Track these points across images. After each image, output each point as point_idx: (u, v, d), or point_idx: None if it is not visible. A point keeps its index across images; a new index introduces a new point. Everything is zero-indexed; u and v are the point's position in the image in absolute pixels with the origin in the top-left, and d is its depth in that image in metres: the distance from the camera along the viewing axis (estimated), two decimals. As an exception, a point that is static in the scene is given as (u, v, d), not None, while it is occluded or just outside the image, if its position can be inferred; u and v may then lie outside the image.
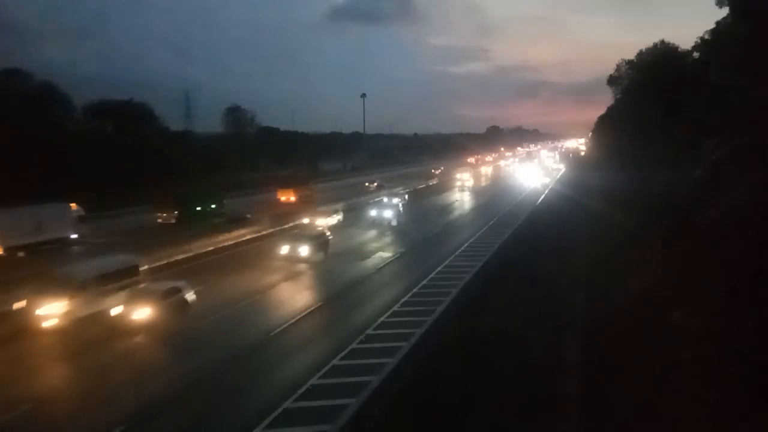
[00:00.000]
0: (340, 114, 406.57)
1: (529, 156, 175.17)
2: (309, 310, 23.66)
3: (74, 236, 37.80)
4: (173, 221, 45.18)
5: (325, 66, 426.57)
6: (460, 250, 34.82)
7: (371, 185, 74.10)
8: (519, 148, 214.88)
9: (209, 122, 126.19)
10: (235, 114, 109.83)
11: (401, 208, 50.54)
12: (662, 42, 71.75)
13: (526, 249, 35.04)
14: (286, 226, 42.54)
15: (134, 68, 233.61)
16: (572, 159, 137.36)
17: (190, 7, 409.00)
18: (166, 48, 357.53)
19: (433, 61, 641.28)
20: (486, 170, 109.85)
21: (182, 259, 32.19)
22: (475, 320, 21.04)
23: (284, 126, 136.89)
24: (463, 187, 78.18)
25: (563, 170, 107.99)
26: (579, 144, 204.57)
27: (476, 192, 75.14)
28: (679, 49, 66.93)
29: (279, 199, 59.08)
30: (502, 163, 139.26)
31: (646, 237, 26.24)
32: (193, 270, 29.35)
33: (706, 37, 55.18)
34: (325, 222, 43.06)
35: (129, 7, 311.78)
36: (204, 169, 71.05)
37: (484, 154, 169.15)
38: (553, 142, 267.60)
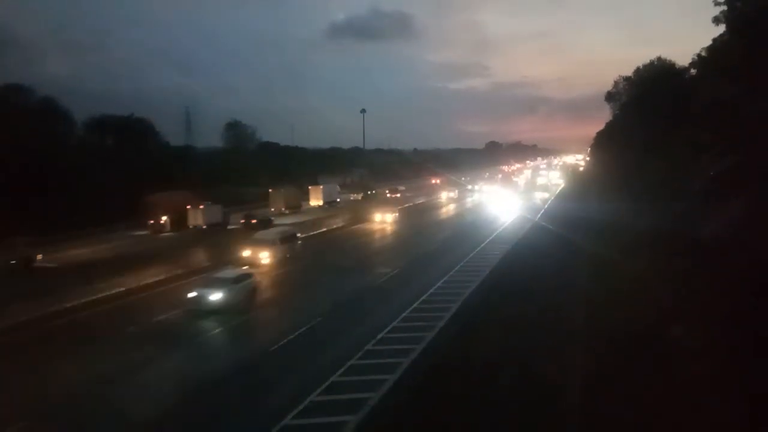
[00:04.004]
0: (340, 129, 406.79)
1: (507, 179, 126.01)
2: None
3: (338, 200, 74.17)
4: (360, 198, 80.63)
5: (324, 82, 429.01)
6: None
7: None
8: (529, 162, 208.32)
9: (209, 137, 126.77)
10: (235, 129, 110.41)
11: None
12: (659, 59, 72.33)
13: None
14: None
15: (135, 84, 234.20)
16: (571, 175, 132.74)
17: (190, 23, 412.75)
18: (166, 64, 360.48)
19: (432, 77, 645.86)
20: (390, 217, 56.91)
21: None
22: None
23: (284, 141, 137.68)
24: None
25: (562, 185, 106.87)
26: (577, 159, 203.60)
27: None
28: (676, 66, 67.43)
29: (430, 182, 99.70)
30: (445, 195, 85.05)
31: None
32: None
33: (703, 53, 55.61)
34: None
35: (130, 23, 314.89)
36: (204, 183, 70.99)
37: (512, 163, 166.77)
38: (554, 158, 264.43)
